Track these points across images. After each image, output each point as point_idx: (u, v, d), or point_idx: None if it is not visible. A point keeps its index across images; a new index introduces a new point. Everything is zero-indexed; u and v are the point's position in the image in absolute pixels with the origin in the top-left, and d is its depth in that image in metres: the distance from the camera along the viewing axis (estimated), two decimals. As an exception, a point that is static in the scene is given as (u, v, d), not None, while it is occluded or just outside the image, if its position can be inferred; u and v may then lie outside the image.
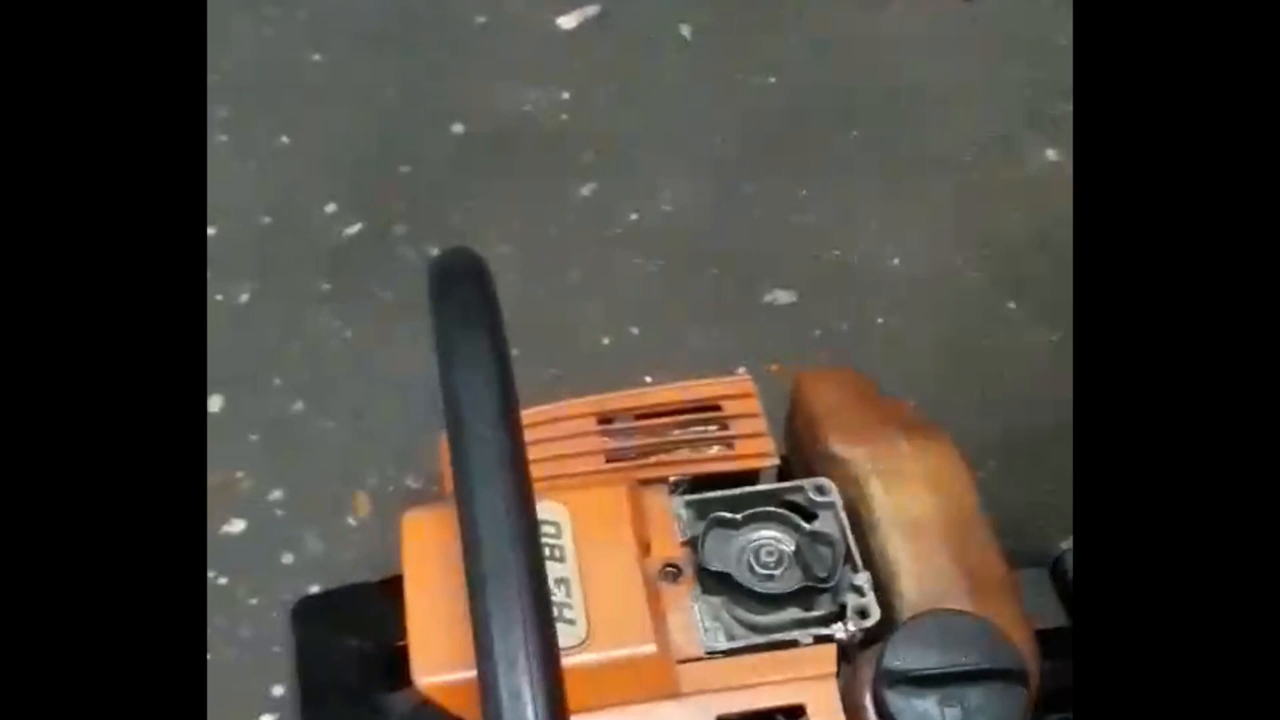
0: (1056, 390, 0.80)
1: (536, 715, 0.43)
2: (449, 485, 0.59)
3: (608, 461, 0.59)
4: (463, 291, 0.53)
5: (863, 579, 0.55)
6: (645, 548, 0.56)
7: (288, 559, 0.77)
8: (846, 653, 0.54)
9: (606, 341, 0.86)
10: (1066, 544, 0.62)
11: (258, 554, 0.77)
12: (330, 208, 0.93)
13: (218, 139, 0.97)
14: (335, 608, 0.67)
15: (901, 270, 0.89)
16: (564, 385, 0.83)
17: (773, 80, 1.00)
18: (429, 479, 0.79)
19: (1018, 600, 0.55)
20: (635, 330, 0.87)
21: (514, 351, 0.52)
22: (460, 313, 0.52)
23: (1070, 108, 0.99)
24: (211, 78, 1.00)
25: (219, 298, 0.88)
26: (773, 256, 0.90)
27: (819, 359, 0.83)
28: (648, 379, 0.85)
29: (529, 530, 0.46)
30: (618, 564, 0.54)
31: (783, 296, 0.88)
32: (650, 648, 0.52)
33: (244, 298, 0.89)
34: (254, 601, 0.76)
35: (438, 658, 0.52)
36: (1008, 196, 0.94)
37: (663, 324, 0.87)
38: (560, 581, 0.53)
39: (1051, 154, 0.96)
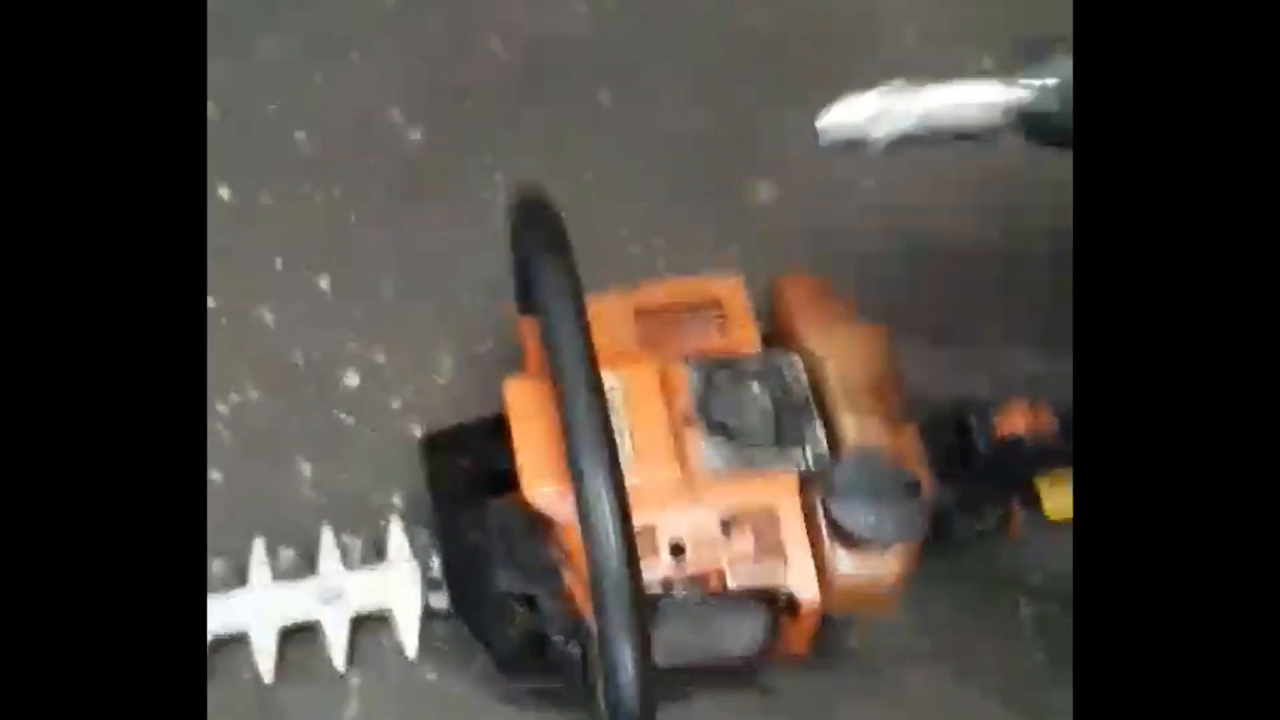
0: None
1: (612, 512, 0.69)
2: (532, 361, 0.84)
3: (640, 343, 0.85)
4: (542, 223, 0.77)
5: (818, 426, 0.82)
6: (670, 404, 0.82)
7: (395, 404, 1.02)
8: (805, 479, 0.81)
9: (627, 234, 1.10)
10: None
11: (371, 400, 1.02)
12: (398, 118, 1.15)
13: (299, 57, 1.18)
14: (449, 440, 0.93)
15: (873, 189, 1.12)
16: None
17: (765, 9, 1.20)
18: (497, 344, 1.03)
19: (920, 443, 0.82)
20: (660, 242, 1.10)
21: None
22: (544, 242, 0.76)
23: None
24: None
25: (317, 197, 1.11)
26: (764, 162, 1.13)
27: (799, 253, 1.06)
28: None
29: (600, 395, 0.72)
30: (652, 416, 0.80)
31: (767, 192, 1.12)
32: (674, 470, 0.79)
33: (336, 194, 1.12)
34: (373, 434, 1.01)
35: (540, 478, 0.79)
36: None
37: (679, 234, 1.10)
38: (617, 430, 0.79)
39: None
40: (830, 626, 0.88)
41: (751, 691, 0.91)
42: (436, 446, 0.92)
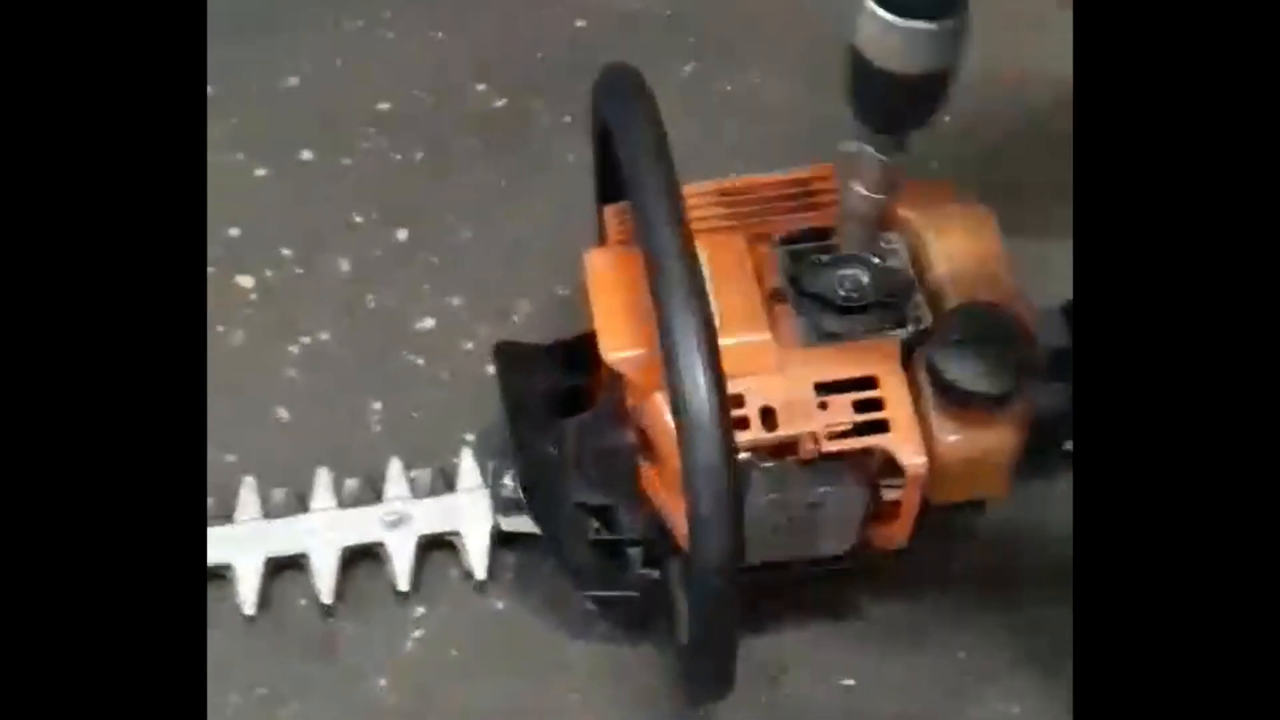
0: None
1: (709, 389, 0.64)
2: (611, 237, 0.80)
3: (727, 221, 0.80)
4: (629, 87, 0.74)
5: (920, 298, 0.76)
6: (760, 281, 0.76)
7: (468, 345, 0.98)
8: (908, 348, 0.75)
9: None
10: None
11: (445, 343, 0.98)
12: (480, 87, 1.14)
13: (384, 35, 1.19)
14: (524, 355, 0.88)
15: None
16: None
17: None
18: (574, 289, 0.98)
19: (1026, 307, 0.75)
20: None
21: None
22: (635, 113, 0.72)
23: None
24: (375, -10, 1.22)
25: (398, 157, 1.10)
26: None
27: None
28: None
29: (692, 254, 0.67)
30: (740, 283, 0.75)
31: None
32: (765, 334, 0.73)
33: (419, 156, 1.10)
34: (445, 375, 0.97)
35: (620, 342, 0.74)
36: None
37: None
38: (702, 293, 0.73)
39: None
40: (924, 554, 0.82)
41: (842, 619, 0.84)
42: (511, 359, 0.87)
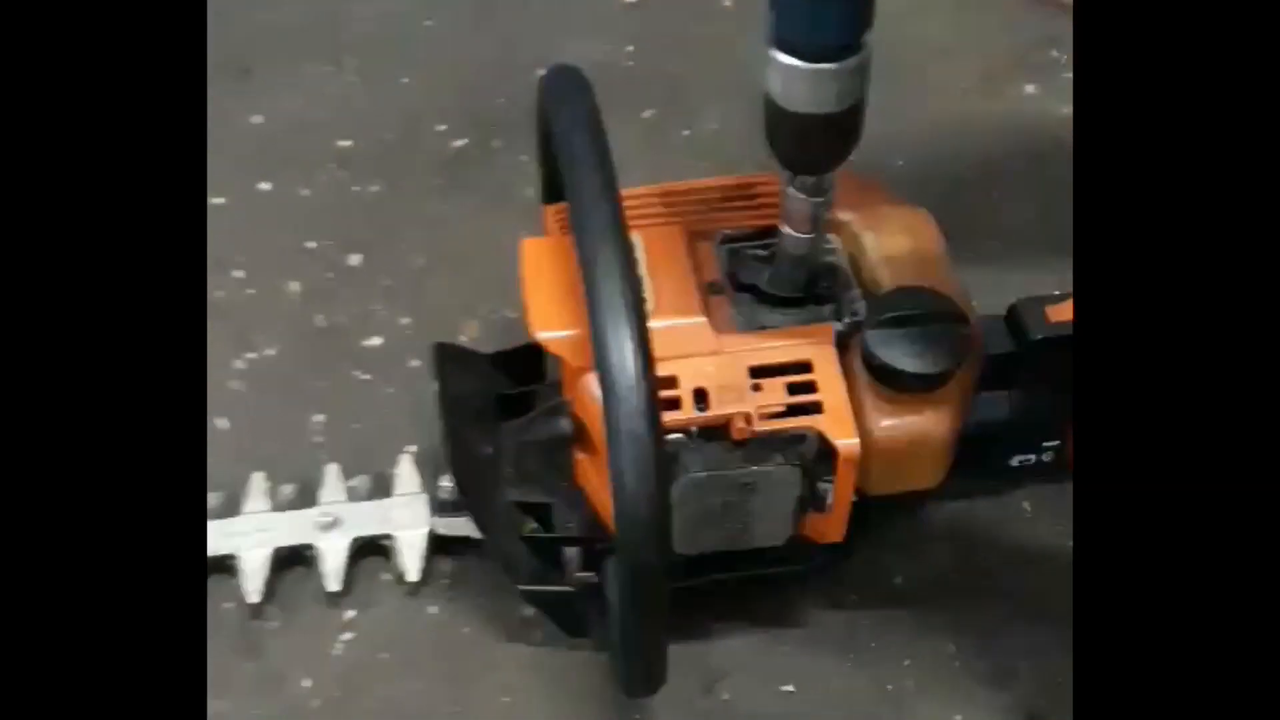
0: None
1: (633, 352, 0.63)
2: (549, 227, 0.81)
3: (668, 219, 0.80)
4: (574, 98, 0.75)
5: (856, 292, 0.76)
6: (697, 272, 0.77)
7: (415, 364, 0.98)
8: (842, 338, 0.75)
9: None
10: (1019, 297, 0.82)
11: (392, 359, 0.98)
12: (441, 127, 1.16)
13: (350, 80, 1.21)
14: (462, 358, 0.88)
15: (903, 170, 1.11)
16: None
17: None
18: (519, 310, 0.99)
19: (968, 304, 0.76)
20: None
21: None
22: (574, 116, 0.73)
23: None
24: (343, 35, 1.24)
25: (355, 189, 1.11)
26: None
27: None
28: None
29: (624, 235, 0.67)
30: (676, 271, 0.75)
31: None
32: (700, 318, 0.73)
33: (375, 189, 1.11)
34: (390, 391, 0.96)
35: (550, 322, 0.73)
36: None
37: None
38: (637, 276, 0.74)
39: (1030, 89, 1.18)
40: (869, 562, 0.82)
41: (783, 627, 0.82)
42: (451, 360, 0.87)
